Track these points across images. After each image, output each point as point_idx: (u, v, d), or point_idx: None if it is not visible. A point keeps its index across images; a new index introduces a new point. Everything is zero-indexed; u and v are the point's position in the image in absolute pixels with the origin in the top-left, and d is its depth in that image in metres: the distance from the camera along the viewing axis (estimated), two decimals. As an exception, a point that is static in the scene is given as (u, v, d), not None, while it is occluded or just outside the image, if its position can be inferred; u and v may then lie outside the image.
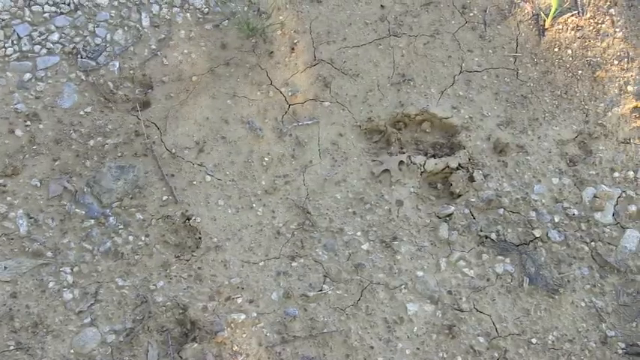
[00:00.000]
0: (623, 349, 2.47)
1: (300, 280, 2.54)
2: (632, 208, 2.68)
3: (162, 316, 2.45)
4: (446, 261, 2.59)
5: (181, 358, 2.38)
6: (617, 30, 2.99)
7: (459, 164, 2.74)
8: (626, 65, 2.93)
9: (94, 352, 2.37)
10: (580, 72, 2.92)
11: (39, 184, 2.59)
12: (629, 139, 2.81)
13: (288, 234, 2.61)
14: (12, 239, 2.50)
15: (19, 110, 2.68)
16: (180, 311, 2.45)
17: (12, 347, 2.34)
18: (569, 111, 2.86)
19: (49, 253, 2.50)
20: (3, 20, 2.81)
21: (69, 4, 2.87)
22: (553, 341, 2.48)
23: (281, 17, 2.95)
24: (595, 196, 2.69)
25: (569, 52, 2.96)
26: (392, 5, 3.01)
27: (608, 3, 3.03)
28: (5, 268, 2.45)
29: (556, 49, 2.96)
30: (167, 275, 2.51)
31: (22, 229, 2.51)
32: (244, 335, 2.42)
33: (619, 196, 2.70)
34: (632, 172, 2.75)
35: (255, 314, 2.46)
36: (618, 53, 2.95)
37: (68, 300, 2.44)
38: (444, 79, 2.89)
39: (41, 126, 2.68)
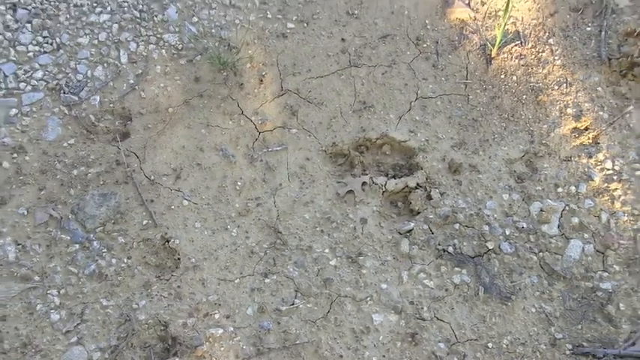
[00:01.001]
0: (570, 350, 2.53)
1: (273, 295, 2.57)
2: (575, 220, 2.75)
3: (145, 333, 2.46)
4: (407, 274, 2.64)
5: (164, 371, 2.40)
6: (556, 58, 3.06)
7: (418, 184, 2.78)
8: (565, 90, 3.00)
9: (81, 369, 2.37)
10: (524, 96, 2.99)
11: (26, 213, 2.59)
12: (570, 157, 2.87)
13: (261, 253, 2.65)
14: (1, 265, 2.50)
15: (6, 144, 2.69)
16: (162, 328, 2.48)
17: (2, 367, 2.34)
18: (516, 132, 2.92)
19: (37, 277, 2.51)
20: (-11, 60, 2.81)
21: (51, 44, 2.88)
22: (507, 345, 2.53)
23: (250, 51, 2.98)
24: (541, 210, 2.76)
25: (514, 78, 3.03)
26: (352, 39, 3.05)
27: (547, 34, 3.10)
28: (-5, 292, 2.46)
29: (502, 76, 3.03)
30: (149, 294, 2.52)
31: (11, 255, 2.52)
32: (222, 349, 2.45)
33: (563, 209, 2.76)
34: (574, 187, 2.81)
35: (231, 328, 2.49)
36: (558, 79, 3.02)
37: (55, 321, 2.45)
38: (402, 105, 2.94)
39: (27, 158, 2.69)
